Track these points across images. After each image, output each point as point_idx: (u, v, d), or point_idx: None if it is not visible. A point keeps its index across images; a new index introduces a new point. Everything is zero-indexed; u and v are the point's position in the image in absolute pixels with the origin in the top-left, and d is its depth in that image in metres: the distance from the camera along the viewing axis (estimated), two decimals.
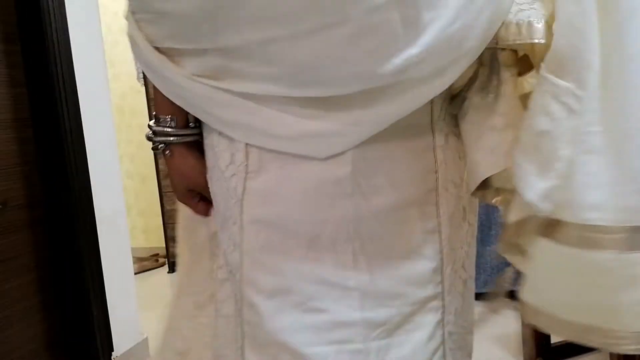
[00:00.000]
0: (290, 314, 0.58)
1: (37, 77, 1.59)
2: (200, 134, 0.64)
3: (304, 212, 0.58)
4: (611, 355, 1.18)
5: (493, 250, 2.06)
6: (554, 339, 1.60)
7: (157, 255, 3.37)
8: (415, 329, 0.61)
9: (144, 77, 3.00)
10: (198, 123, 0.63)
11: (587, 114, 0.54)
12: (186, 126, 0.63)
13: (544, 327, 0.60)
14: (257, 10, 0.48)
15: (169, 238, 3.06)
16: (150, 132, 0.65)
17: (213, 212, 0.65)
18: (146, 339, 1.94)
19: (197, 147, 0.65)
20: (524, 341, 1.57)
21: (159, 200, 3.05)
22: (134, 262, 2.05)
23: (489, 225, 2.05)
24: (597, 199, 0.54)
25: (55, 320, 1.67)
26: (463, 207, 0.65)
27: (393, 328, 0.60)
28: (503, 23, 0.55)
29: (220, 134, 0.60)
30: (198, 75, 0.55)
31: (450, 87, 0.59)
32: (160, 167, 3.04)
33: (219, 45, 0.52)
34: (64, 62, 1.62)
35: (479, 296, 2.23)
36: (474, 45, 0.53)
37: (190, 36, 0.53)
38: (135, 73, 3.05)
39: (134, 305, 1.90)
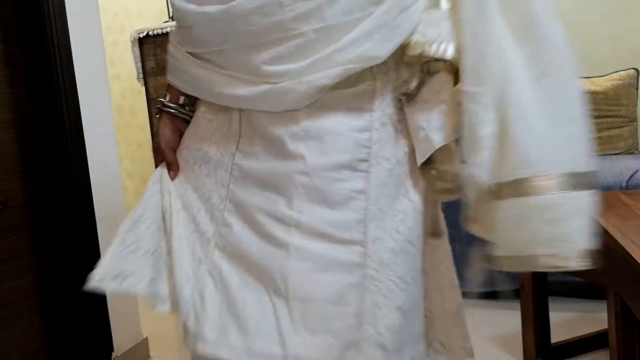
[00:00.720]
0: (250, 233, 0.83)
1: (37, 77, 1.60)
2: (184, 114, 0.93)
3: (267, 165, 0.84)
4: (611, 355, 1.18)
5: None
6: (554, 339, 1.60)
7: None
8: (336, 263, 0.81)
9: (144, 77, 3.00)
10: (187, 107, 0.93)
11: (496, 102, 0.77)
12: (176, 103, 0.92)
13: (514, 267, 0.78)
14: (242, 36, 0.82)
15: None
16: (160, 106, 0.94)
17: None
18: (146, 339, 1.94)
19: (178, 121, 0.93)
20: (524, 341, 1.57)
21: None
22: None
23: None
24: (533, 155, 0.74)
25: (55, 320, 1.67)
26: (405, 187, 0.85)
27: (317, 256, 0.80)
28: (428, 42, 0.80)
29: (217, 112, 0.90)
30: (207, 63, 0.86)
31: (401, 90, 0.85)
32: None
33: (212, 49, 0.85)
34: (64, 62, 1.62)
35: (480, 294, 2.22)
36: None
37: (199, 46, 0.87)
38: (135, 73, 3.05)
39: (134, 305, 1.90)
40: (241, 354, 0.80)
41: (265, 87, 0.81)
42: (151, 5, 3.38)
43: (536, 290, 1.53)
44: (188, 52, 0.88)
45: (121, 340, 1.81)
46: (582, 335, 1.67)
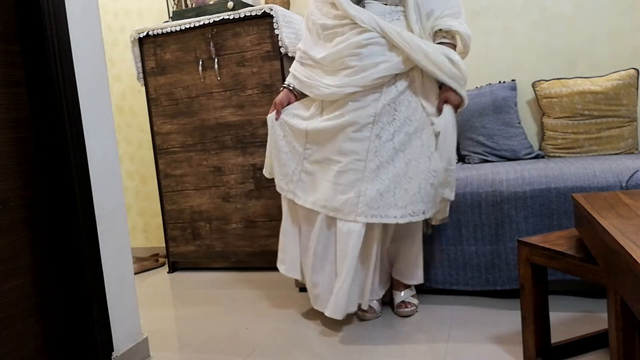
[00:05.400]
0: (320, 154, 2.03)
1: (37, 77, 1.60)
2: (294, 94, 2.15)
3: (332, 123, 1.99)
4: (611, 355, 1.18)
5: (494, 249, 2.06)
6: (554, 339, 1.60)
7: (157, 255, 3.37)
8: (353, 167, 1.93)
9: (144, 77, 3.00)
10: (297, 92, 2.14)
11: None
12: (294, 87, 2.14)
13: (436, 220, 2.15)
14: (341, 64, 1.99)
15: (169, 238, 3.06)
16: (283, 85, 2.16)
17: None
18: (146, 339, 1.94)
19: (292, 95, 2.15)
20: (524, 341, 1.57)
21: (159, 200, 3.04)
22: (134, 262, 2.06)
23: (490, 225, 2.06)
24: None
25: (55, 320, 1.67)
26: (393, 133, 1.94)
27: (348, 163, 1.95)
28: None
29: (309, 99, 2.12)
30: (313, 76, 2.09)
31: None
32: (160, 167, 3.04)
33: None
34: (64, 62, 1.62)
35: (480, 294, 2.22)
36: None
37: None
38: (135, 73, 3.05)
39: (134, 305, 1.90)
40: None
41: (346, 89, 1.92)
42: (151, 5, 3.37)
43: (536, 290, 1.53)
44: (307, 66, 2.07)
45: (121, 340, 1.81)
46: (582, 335, 1.67)
